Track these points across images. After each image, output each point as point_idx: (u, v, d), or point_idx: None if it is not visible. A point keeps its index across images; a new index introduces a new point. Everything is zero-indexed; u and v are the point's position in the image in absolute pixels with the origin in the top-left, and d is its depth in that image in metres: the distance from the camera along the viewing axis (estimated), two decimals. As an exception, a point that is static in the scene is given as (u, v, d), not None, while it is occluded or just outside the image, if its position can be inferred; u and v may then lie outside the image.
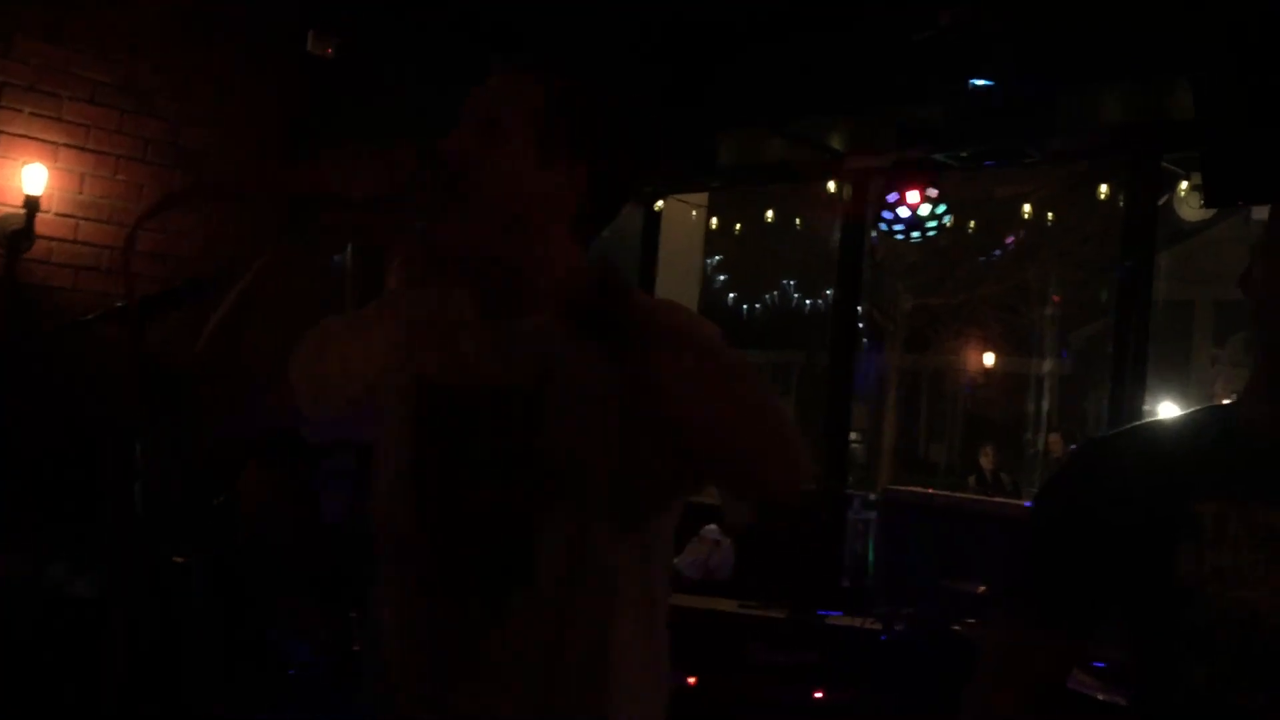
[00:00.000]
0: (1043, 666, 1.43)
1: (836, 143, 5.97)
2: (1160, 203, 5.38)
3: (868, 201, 5.99)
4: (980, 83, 4.64)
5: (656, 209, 7.01)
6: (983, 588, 3.97)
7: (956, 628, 3.99)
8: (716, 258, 9.72)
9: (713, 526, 5.43)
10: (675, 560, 5.33)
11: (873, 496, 5.86)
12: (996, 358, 18.85)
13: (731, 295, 11.20)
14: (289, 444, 1.61)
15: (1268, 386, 1.33)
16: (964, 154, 5.25)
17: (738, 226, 9.68)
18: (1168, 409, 19.43)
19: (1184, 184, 5.36)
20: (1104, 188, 5.95)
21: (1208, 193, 4.09)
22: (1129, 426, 1.54)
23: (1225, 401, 1.43)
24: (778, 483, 1.35)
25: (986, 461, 13.19)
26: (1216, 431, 1.36)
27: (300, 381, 1.53)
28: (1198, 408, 1.45)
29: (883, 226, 5.61)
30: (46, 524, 4.26)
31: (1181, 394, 19.55)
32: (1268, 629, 1.23)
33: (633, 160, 1.57)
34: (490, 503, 1.45)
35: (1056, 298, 15.45)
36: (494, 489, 1.45)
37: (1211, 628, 1.26)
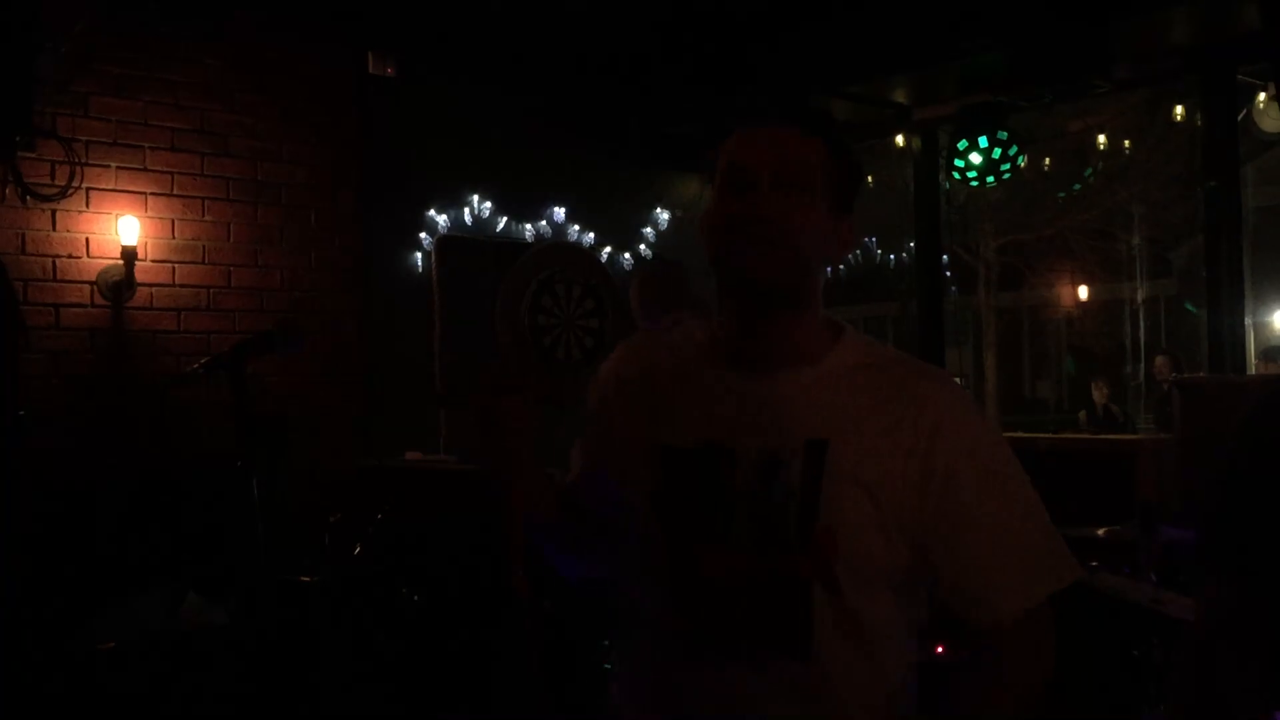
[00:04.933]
0: (1257, 623, 1.39)
1: (901, 97, 5.91)
2: (1240, 117, 5.22)
3: (938, 150, 5.93)
4: (1037, 20, 4.56)
5: (728, 183, 7.01)
6: (1102, 530, 3.90)
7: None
8: (793, 224, 9.66)
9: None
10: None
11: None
12: (1092, 288, 18.44)
13: (813, 259, 11.11)
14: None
15: None
16: (1030, 93, 5.15)
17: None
18: (1281, 319, 18.74)
19: (1261, 95, 5.19)
20: (1179, 109, 5.79)
21: (1285, 105, 3.98)
22: None
23: None
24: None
25: (1099, 395, 12.89)
26: None
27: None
28: None
29: (955, 176, 5.54)
30: (181, 558, 4.48)
31: (1294, 301, 18.89)
32: None
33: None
34: (767, 573, 1.43)
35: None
36: (769, 558, 1.43)
37: None
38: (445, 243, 5.89)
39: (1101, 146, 8.55)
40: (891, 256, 12.92)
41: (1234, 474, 1.41)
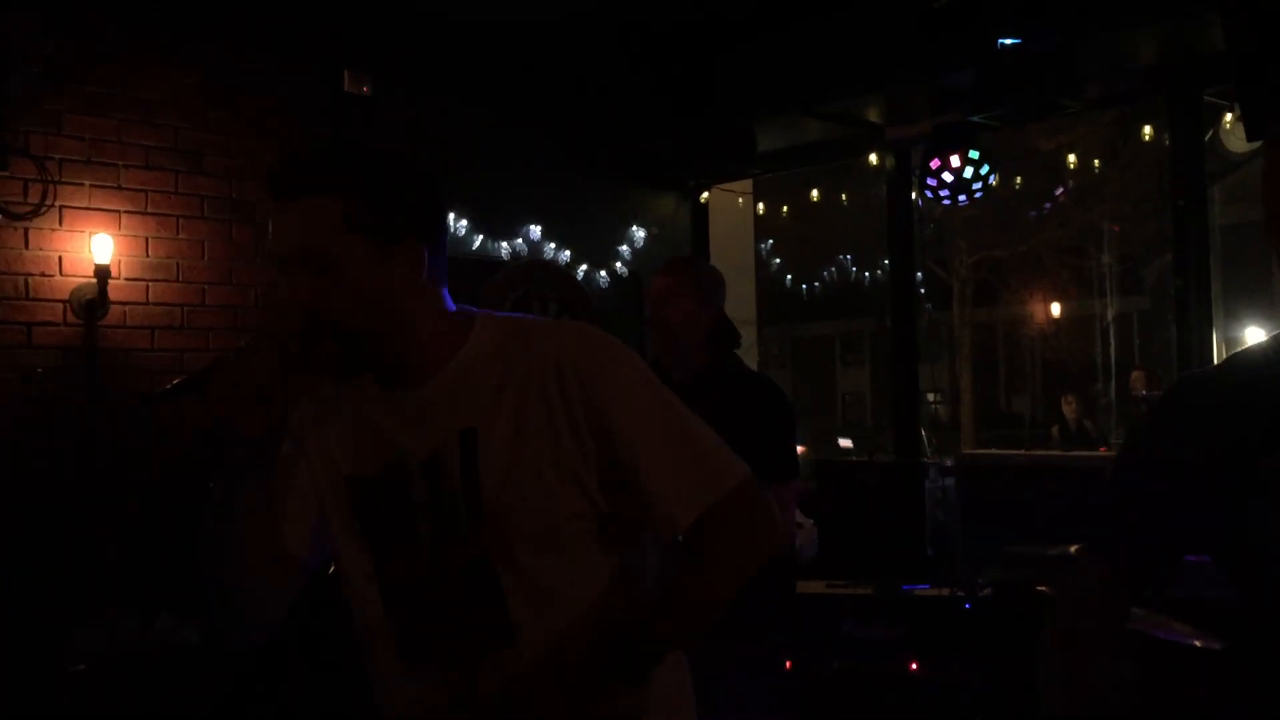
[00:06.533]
0: (1110, 608, 1.48)
1: (873, 116, 5.96)
2: (1207, 137, 5.29)
3: (911, 169, 5.99)
4: (1008, 41, 4.62)
5: (703, 201, 7.05)
6: (1074, 548, 3.94)
7: (1042, 589, 4.00)
8: (769, 241, 9.74)
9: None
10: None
11: (949, 462, 5.83)
12: (1066, 304, 18.61)
13: (789, 276, 11.21)
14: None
15: None
16: (1001, 112, 5.21)
17: (785, 209, 9.68)
18: (1254, 334, 18.92)
19: (1228, 116, 5.27)
20: (1147, 129, 5.87)
21: (1248, 126, 4.04)
22: (1218, 364, 1.51)
23: None
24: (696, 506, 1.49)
25: (1069, 411, 12.98)
26: None
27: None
28: (1275, 335, 1.42)
29: (928, 194, 5.59)
30: (154, 578, 4.45)
31: (1267, 315, 19.10)
32: None
33: (437, 194, 1.59)
34: (454, 567, 1.50)
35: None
36: (452, 553, 1.51)
37: None
38: (421, 261, 5.88)
39: (1072, 165, 8.67)
40: (867, 274, 13.05)
41: (1119, 468, 1.49)
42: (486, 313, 1.62)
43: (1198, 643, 3.32)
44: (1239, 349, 1.51)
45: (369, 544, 1.56)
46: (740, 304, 7.58)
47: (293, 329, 1.47)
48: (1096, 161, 9.65)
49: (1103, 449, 9.01)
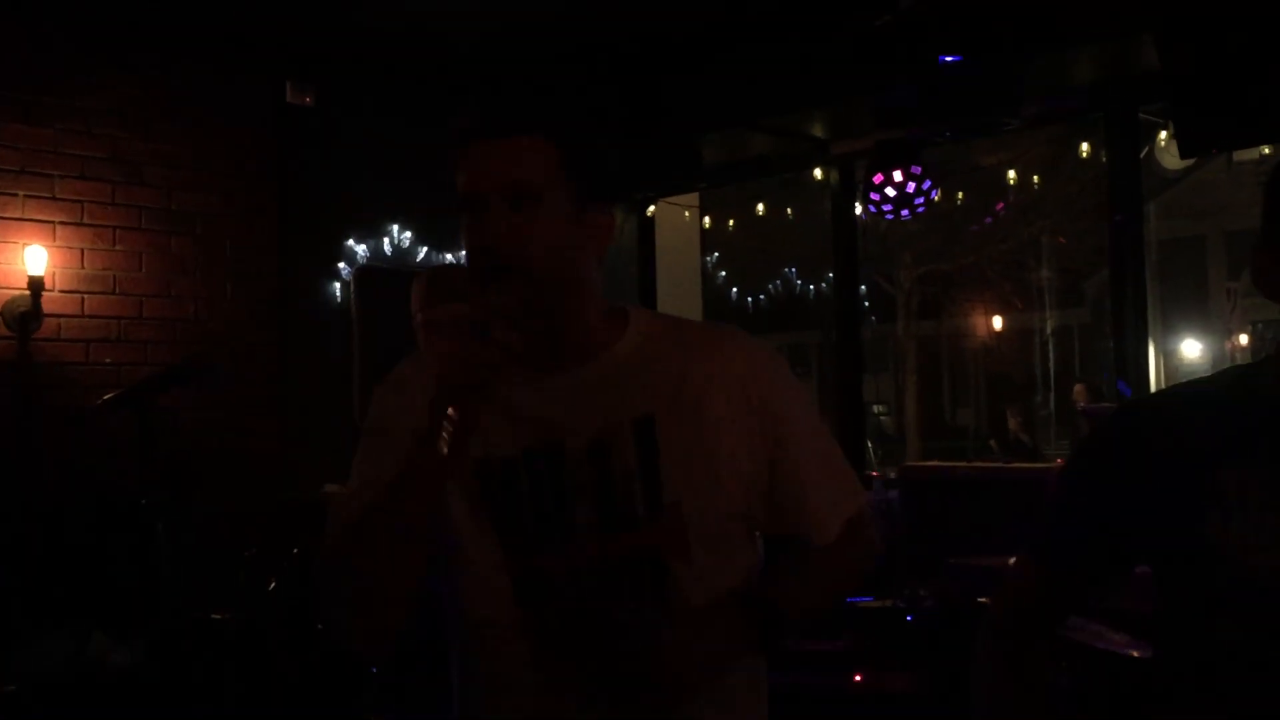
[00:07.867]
0: (1045, 613, 1.55)
1: (818, 131, 6.02)
2: (1142, 154, 5.40)
3: (855, 183, 6.05)
4: (949, 59, 4.68)
5: (649, 214, 7.07)
6: (1013, 559, 3.98)
7: (983, 600, 4.03)
8: (715, 254, 9.80)
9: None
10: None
11: (893, 475, 5.89)
12: (1009, 317, 18.87)
13: (734, 290, 11.28)
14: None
15: None
16: (942, 129, 5.28)
17: (731, 222, 9.75)
18: (1190, 346, 19.39)
19: (1163, 134, 5.38)
20: (1085, 145, 5.97)
21: (1182, 143, 4.13)
22: (1162, 391, 1.59)
23: (1250, 361, 1.49)
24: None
25: (1014, 424, 13.15)
26: (1241, 395, 1.39)
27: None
28: (1224, 369, 1.48)
29: (871, 208, 5.65)
30: (88, 598, 4.36)
31: (1203, 329, 19.54)
32: None
33: (623, 186, 1.59)
34: (621, 557, 1.44)
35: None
36: (620, 543, 1.45)
37: (1240, 590, 1.30)
38: (364, 273, 5.82)
39: (1012, 181, 8.83)
40: (811, 287, 13.18)
41: (1066, 481, 1.54)
42: (636, 306, 1.61)
43: (1134, 652, 3.37)
44: (1183, 381, 1.59)
45: (503, 531, 1.47)
46: (687, 317, 7.61)
47: (517, 306, 1.39)
48: (1036, 177, 9.84)
49: (1053, 462, 9.14)
